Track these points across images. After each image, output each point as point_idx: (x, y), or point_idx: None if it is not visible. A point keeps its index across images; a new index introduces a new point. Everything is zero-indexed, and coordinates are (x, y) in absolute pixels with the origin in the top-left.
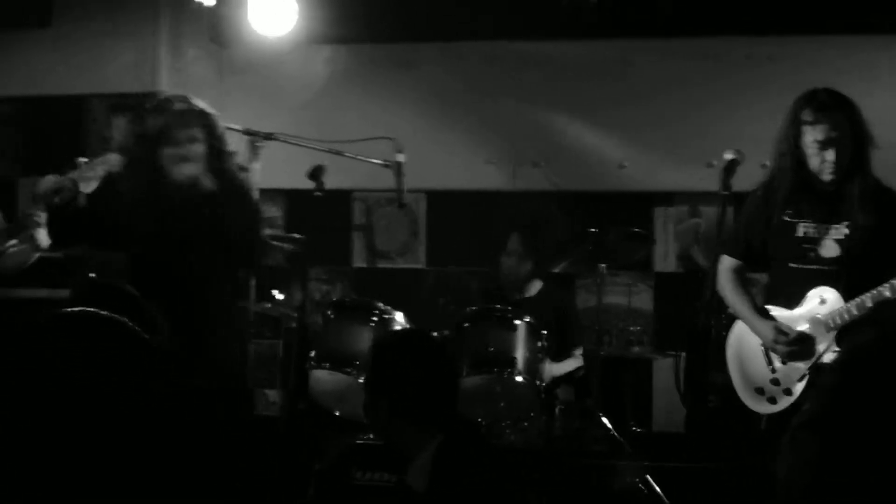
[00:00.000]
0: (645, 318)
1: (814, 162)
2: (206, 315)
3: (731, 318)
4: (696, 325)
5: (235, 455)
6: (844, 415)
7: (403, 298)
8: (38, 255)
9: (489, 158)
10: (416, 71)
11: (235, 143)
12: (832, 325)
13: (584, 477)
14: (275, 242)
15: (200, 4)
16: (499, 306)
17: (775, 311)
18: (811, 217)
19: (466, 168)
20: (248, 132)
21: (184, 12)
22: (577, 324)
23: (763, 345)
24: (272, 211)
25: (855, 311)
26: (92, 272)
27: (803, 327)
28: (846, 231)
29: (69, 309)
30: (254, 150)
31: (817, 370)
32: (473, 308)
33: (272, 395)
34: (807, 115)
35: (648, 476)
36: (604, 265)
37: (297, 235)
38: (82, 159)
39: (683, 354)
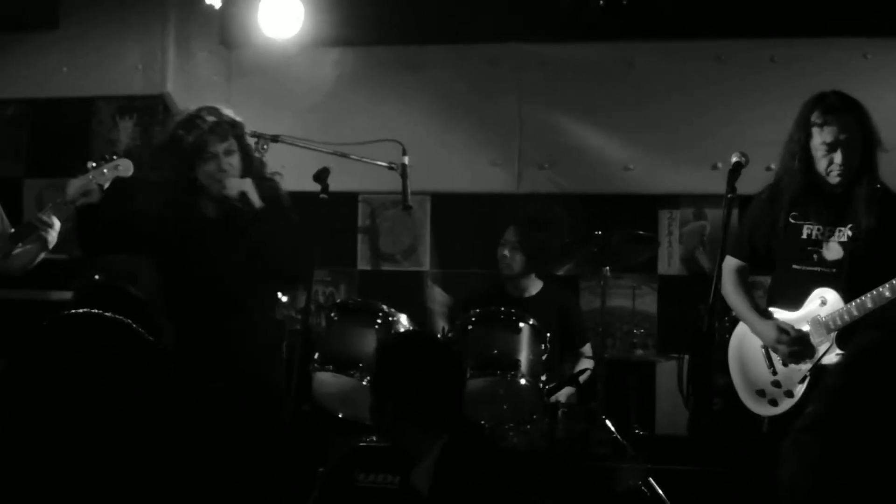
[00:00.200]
0: (649, 321)
1: (822, 164)
2: (242, 328)
3: (735, 321)
4: (700, 327)
5: (237, 456)
6: (848, 417)
7: (407, 301)
8: (43, 255)
9: (494, 161)
10: (421, 73)
11: None
12: (833, 327)
13: (588, 479)
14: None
15: (209, 7)
16: (503, 308)
17: (777, 312)
18: (816, 219)
19: (471, 170)
20: (254, 134)
21: (192, 14)
22: (582, 323)
23: (764, 346)
24: None
25: (856, 313)
26: (97, 274)
27: (804, 328)
28: (850, 234)
29: (74, 310)
30: (261, 152)
31: (818, 372)
32: (477, 310)
33: None
34: (816, 118)
35: (651, 479)
36: (608, 267)
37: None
38: (91, 163)
39: (687, 357)
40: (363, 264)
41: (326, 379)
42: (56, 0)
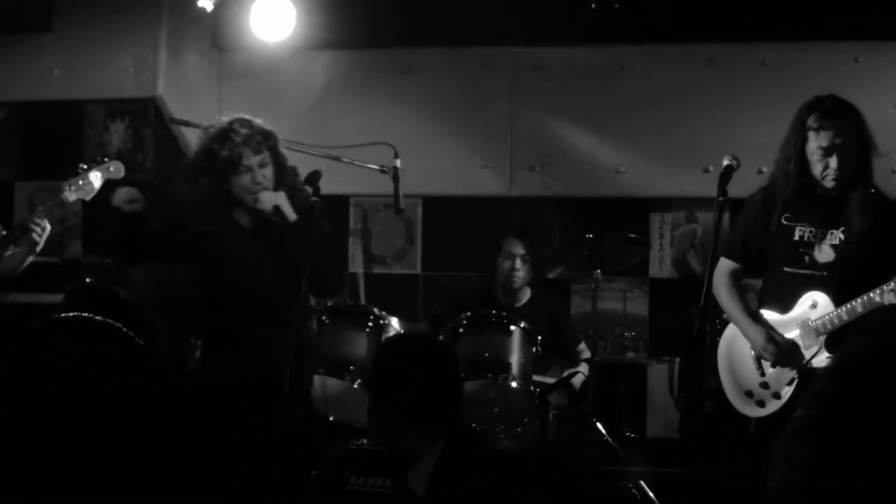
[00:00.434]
0: (640, 324)
1: (817, 168)
2: (274, 339)
3: (726, 324)
4: (691, 330)
5: (236, 456)
6: (837, 421)
7: (399, 304)
8: (31, 259)
9: (485, 164)
10: (413, 76)
11: None
12: (822, 330)
13: (579, 483)
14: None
15: (201, 10)
16: (494, 311)
17: (768, 314)
18: (809, 221)
19: (463, 173)
20: None
21: (183, 17)
22: (573, 329)
23: (753, 350)
24: None
25: (846, 317)
26: (87, 277)
27: (794, 331)
28: (842, 236)
29: (64, 314)
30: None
31: (807, 374)
32: (468, 313)
33: None
34: (812, 122)
35: (643, 482)
36: (599, 270)
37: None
38: (82, 166)
39: (678, 360)
40: (355, 267)
41: (318, 382)
42: (49, 3)
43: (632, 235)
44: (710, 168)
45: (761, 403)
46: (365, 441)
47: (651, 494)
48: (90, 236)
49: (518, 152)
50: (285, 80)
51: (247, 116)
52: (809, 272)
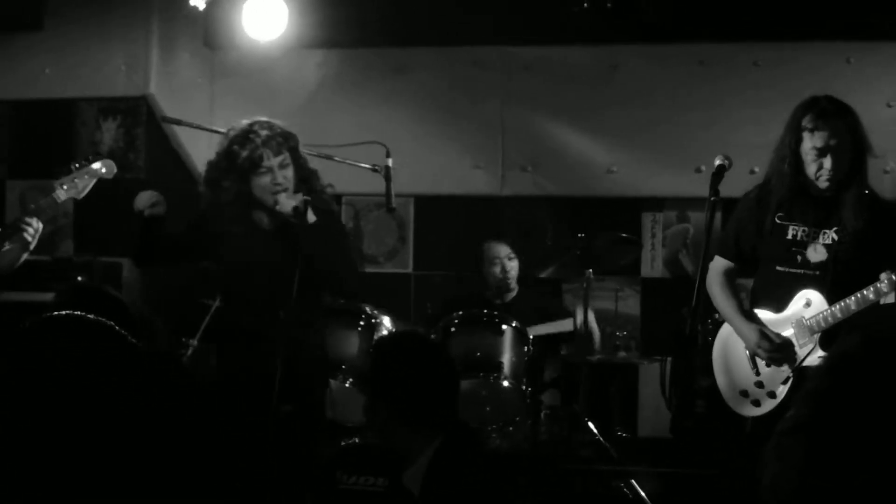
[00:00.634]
0: (632, 324)
1: (811, 168)
2: (290, 340)
3: (718, 324)
4: (682, 330)
5: (236, 456)
6: (829, 420)
7: (391, 302)
8: (25, 256)
9: (477, 163)
10: (405, 75)
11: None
12: (816, 328)
13: (570, 482)
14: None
15: (193, 8)
16: (485, 311)
17: (761, 313)
18: (802, 220)
19: (455, 173)
20: None
21: (175, 16)
22: (562, 306)
23: (747, 348)
24: None
25: (839, 315)
26: (79, 276)
27: (788, 330)
28: (835, 236)
29: (55, 312)
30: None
31: (801, 373)
32: (460, 312)
33: None
34: (807, 122)
35: (634, 481)
36: (591, 270)
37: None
38: (74, 164)
39: (670, 360)
40: None
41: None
42: (41, 1)
43: (624, 235)
44: (702, 168)
45: (757, 403)
46: (357, 440)
47: (642, 494)
48: (82, 235)
49: (510, 152)
50: (277, 78)
51: (269, 119)
52: (802, 271)
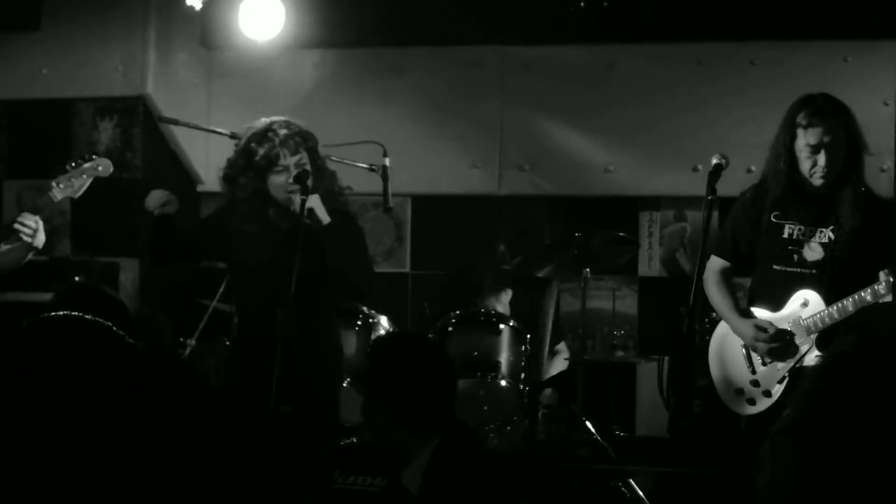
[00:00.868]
0: (629, 323)
1: (805, 166)
2: (302, 341)
3: (715, 323)
4: (680, 329)
5: (236, 456)
6: (825, 421)
7: (388, 302)
8: (31, 254)
9: (475, 163)
10: (403, 75)
11: (221, 148)
12: (813, 329)
13: (568, 481)
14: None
15: (190, 8)
16: (483, 310)
17: (758, 312)
18: (798, 219)
19: (452, 172)
20: (234, 136)
21: (173, 16)
22: (558, 322)
23: (744, 346)
24: None
25: (836, 315)
26: (77, 276)
27: (785, 329)
28: (831, 235)
29: (53, 313)
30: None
31: (797, 373)
32: (458, 312)
33: None
34: (801, 119)
35: (631, 480)
36: (588, 269)
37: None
38: (70, 163)
39: (667, 359)
40: None
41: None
42: (38, 2)
43: (621, 234)
44: (700, 167)
45: (752, 401)
46: (355, 440)
47: (640, 493)
48: (78, 235)
49: (507, 151)
50: (274, 78)
51: (289, 118)
52: (798, 270)
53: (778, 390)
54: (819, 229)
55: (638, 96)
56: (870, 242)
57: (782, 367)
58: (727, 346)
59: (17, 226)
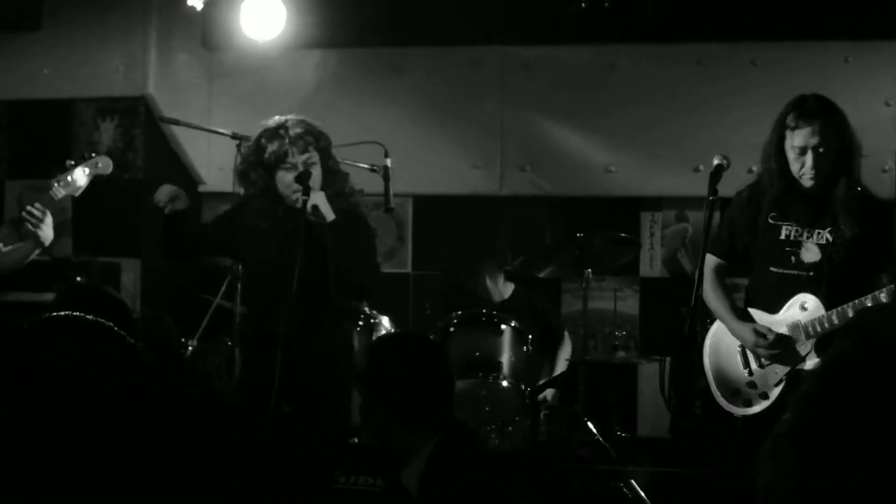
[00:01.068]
0: (630, 323)
1: (794, 167)
2: (308, 339)
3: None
4: (681, 330)
5: (236, 455)
6: (824, 424)
7: (389, 302)
8: (38, 251)
9: (476, 163)
10: (404, 76)
11: (222, 148)
12: (812, 333)
13: (569, 482)
14: None
15: (191, 9)
16: (484, 311)
17: (756, 314)
18: (795, 220)
19: (453, 173)
20: (235, 136)
21: (173, 16)
22: (559, 319)
23: (741, 346)
24: None
25: (836, 321)
26: (78, 276)
27: (783, 332)
28: (829, 237)
29: (54, 313)
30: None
31: (795, 376)
32: (459, 312)
33: None
34: (790, 120)
35: (633, 481)
36: (590, 270)
37: None
38: (70, 162)
39: (669, 359)
40: None
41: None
42: (38, 2)
43: (622, 235)
44: (701, 167)
45: (748, 402)
46: (356, 440)
47: (642, 494)
48: (80, 235)
49: (508, 151)
50: (275, 78)
51: (304, 117)
52: (796, 272)
53: (775, 393)
54: (816, 230)
55: (639, 96)
56: (867, 244)
57: (780, 371)
58: (722, 345)
59: (24, 214)
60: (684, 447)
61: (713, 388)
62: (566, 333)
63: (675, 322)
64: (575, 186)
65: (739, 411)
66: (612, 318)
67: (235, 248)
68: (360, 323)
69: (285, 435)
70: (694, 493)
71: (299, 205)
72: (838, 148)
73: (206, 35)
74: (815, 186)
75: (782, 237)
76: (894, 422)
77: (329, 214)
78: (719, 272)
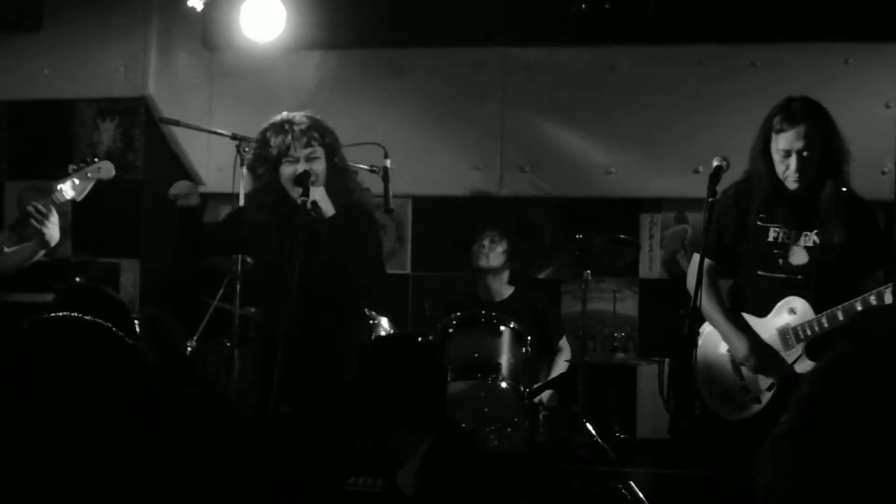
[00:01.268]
0: (630, 325)
1: (779, 169)
2: (312, 337)
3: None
4: (680, 331)
5: (235, 456)
6: (824, 426)
7: (389, 304)
8: (43, 252)
9: (476, 164)
10: (404, 77)
11: (222, 149)
12: (802, 336)
13: (569, 483)
14: None
15: (191, 9)
16: (483, 312)
17: (745, 317)
18: (783, 222)
19: (453, 174)
20: (235, 137)
21: (174, 17)
22: (558, 321)
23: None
24: None
25: (826, 325)
26: (77, 276)
27: (772, 335)
28: (816, 239)
29: (53, 313)
30: (241, 156)
31: (786, 380)
32: (458, 314)
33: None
34: (776, 123)
35: (632, 482)
36: (589, 271)
37: None
38: (72, 166)
39: (668, 361)
40: None
41: None
42: (39, 2)
43: (622, 236)
44: (700, 169)
45: (740, 407)
46: (355, 441)
47: (641, 495)
48: (80, 235)
49: (508, 152)
50: (275, 79)
51: (311, 113)
52: (784, 276)
53: (767, 397)
54: (804, 233)
55: (639, 98)
56: (854, 246)
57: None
58: (713, 349)
59: (29, 209)
60: (683, 448)
61: (703, 391)
62: (564, 339)
63: (674, 323)
64: (575, 187)
65: (732, 416)
66: (612, 319)
67: (243, 244)
68: (360, 323)
69: (285, 435)
70: (693, 494)
71: (300, 202)
72: (824, 151)
73: (206, 35)
74: (800, 189)
75: (770, 239)
76: (894, 422)
77: (328, 210)
78: (710, 274)
